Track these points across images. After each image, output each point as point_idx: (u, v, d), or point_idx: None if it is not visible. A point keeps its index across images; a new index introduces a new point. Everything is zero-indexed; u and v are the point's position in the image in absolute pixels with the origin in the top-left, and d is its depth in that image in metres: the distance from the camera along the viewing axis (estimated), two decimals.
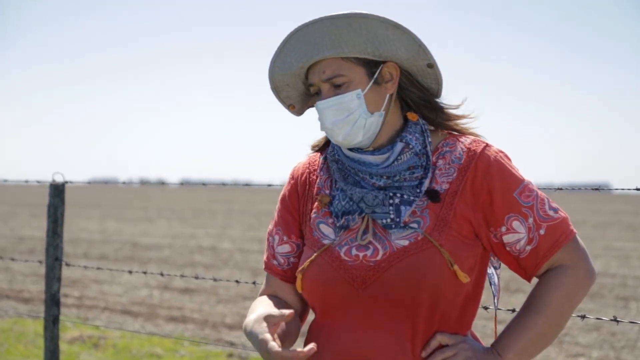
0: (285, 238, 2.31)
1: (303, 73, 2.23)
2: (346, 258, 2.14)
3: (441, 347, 2.12)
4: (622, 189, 3.13)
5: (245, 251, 20.07)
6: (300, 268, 2.21)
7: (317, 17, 2.15)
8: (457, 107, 2.25)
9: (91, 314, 11.00)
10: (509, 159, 2.18)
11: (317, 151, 2.37)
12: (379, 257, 2.11)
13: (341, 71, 2.15)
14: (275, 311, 2.04)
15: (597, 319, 3.13)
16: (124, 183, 5.76)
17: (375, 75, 2.17)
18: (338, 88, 2.16)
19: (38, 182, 5.36)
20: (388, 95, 2.20)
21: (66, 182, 4.95)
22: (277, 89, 2.27)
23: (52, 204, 4.93)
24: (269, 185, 4.41)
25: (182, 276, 4.83)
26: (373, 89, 2.17)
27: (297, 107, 2.32)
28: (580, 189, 3.26)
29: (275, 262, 2.32)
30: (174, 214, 40.61)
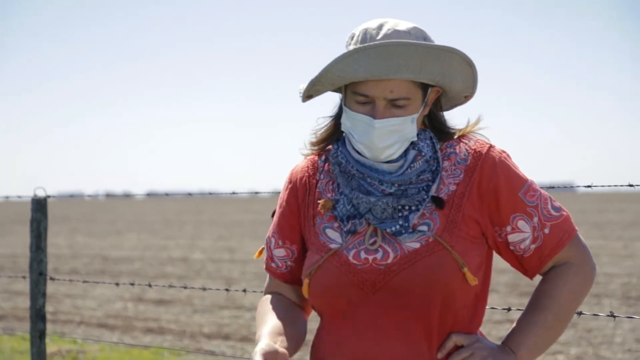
0: (280, 242, 2.31)
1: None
2: (355, 262, 2.14)
3: (456, 347, 2.14)
4: (609, 186, 3.18)
5: (217, 261, 20.03)
6: (307, 272, 2.20)
7: (407, 40, 2.10)
8: (457, 130, 2.26)
9: (67, 328, 10.93)
10: (511, 159, 2.21)
11: (315, 150, 2.32)
12: (389, 261, 2.11)
13: (409, 94, 2.12)
14: (273, 348, 2.03)
15: (594, 315, 3.17)
16: (97, 196, 5.75)
17: (426, 99, 2.18)
18: (397, 108, 2.13)
19: (19, 197, 5.34)
20: (423, 116, 2.22)
21: (48, 196, 4.93)
22: (317, 83, 2.17)
23: (34, 219, 4.90)
24: (233, 193, 4.40)
25: (170, 286, 4.82)
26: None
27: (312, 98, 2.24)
28: (567, 187, 3.31)
29: (274, 264, 2.33)
30: (142, 226, 40.39)
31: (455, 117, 2.30)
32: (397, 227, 2.12)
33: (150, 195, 5.36)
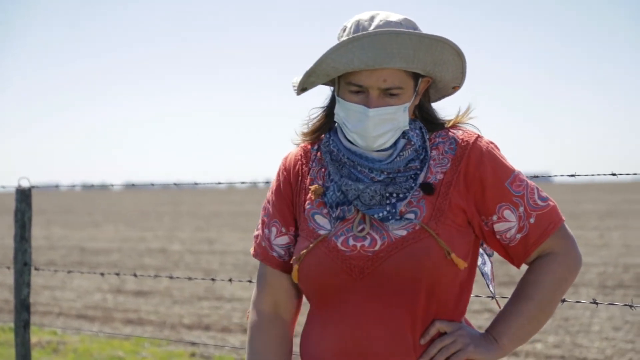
0: (283, 230, 2.32)
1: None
2: (343, 248, 2.18)
3: (439, 334, 2.18)
4: (592, 175, 3.24)
5: (196, 252, 20.02)
6: (295, 257, 2.23)
7: (399, 29, 2.13)
8: (447, 121, 2.29)
9: (46, 319, 10.92)
10: (499, 149, 2.25)
11: (306, 140, 2.36)
12: (377, 247, 2.15)
13: (401, 83, 2.16)
14: None
15: (577, 302, 3.23)
16: (74, 187, 5.75)
17: (417, 88, 2.22)
18: (390, 97, 2.17)
19: (3, 187, 5.34)
20: (414, 107, 2.26)
21: (33, 186, 4.93)
22: (312, 74, 2.20)
23: (19, 209, 4.90)
24: (219, 183, 4.42)
25: (156, 276, 4.84)
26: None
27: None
28: (549, 177, 3.36)
29: (274, 253, 2.32)
30: (120, 217, 40.27)
31: (445, 108, 2.34)
32: (385, 213, 2.16)
33: (128, 186, 5.35)
